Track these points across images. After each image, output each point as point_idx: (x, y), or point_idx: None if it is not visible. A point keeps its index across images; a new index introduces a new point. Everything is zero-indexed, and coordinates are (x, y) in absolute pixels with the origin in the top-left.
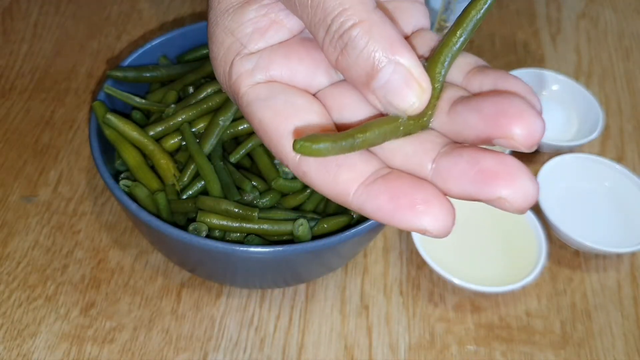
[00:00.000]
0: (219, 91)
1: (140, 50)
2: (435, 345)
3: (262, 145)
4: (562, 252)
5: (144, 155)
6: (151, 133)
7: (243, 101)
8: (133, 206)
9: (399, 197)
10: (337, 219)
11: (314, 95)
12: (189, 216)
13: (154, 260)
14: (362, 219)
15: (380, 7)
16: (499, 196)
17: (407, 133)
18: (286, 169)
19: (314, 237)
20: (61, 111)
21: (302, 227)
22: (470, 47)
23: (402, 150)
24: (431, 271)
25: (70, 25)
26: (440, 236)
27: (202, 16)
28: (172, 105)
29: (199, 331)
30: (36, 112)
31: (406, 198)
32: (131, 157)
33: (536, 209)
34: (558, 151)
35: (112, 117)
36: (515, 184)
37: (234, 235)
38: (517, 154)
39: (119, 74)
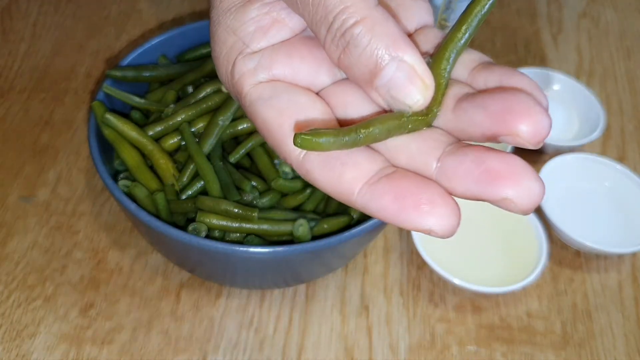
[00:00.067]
0: (219, 91)
1: (140, 50)
2: (435, 346)
3: (261, 145)
4: (563, 252)
5: (143, 155)
6: (150, 133)
7: (246, 100)
8: (132, 206)
9: (404, 197)
10: (337, 219)
11: (317, 94)
12: (188, 216)
13: (153, 260)
14: (362, 219)
15: (383, 4)
16: (504, 197)
17: (413, 129)
18: (286, 169)
19: (314, 237)
20: (60, 111)
21: (302, 227)
22: (471, 46)
23: (406, 149)
24: (431, 271)
25: (69, 25)
26: (445, 236)
27: (202, 15)
28: (172, 105)
29: (198, 332)
30: (35, 112)
31: (411, 198)
32: (130, 157)
33: (537, 209)
34: (559, 151)
35: (111, 117)
36: (520, 184)
37: (234, 235)
38: (518, 154)
39: (118, 73)
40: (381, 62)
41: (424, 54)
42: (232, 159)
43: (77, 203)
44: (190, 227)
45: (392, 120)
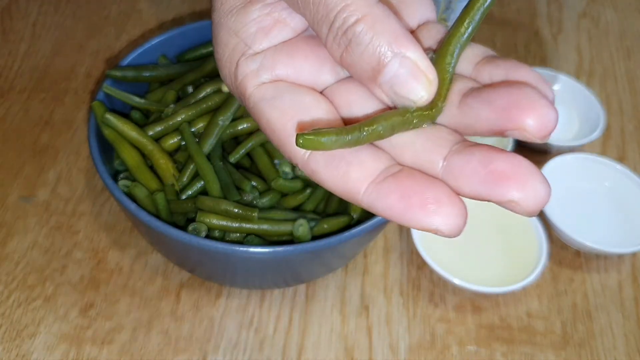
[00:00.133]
0: (219, 91)
1: (140, 50)
2: (435, 346)
3: (261, 145)
4: (563, 252)
5: (143, 155)
6: (150, 133)
7: (250, 102)
8: (132, 206)
9: (410, 196)
10: (337, 219)
11: (320, 93)
12: (188, 216)
13: (153, 260)
14: (362, 219)
15: (384, 1)
16: (510, 199)
17: (417, 125)
18: (286, 169)
19: (314, 237)
20: (60, 111)
21: (302, 227)
22: None
23: (412, 147)
24: (431, 272)
25: (69, 25)
26: (452, 236)
27: (202, 15)
28: (172, 105)
29: (198, 332)
30: (35, 112)
31: (417, 197)
32: (130, 157)
33: None
34: (559, 151)
35: (111, 117)
36: (526, 187)
37: (234, 235)
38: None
39: (118, 73)
40: (384, 59)
41: (427, 50)
42: (232, 159)
43: (77, 203)
44: (190, 227)
45: (396, 117)
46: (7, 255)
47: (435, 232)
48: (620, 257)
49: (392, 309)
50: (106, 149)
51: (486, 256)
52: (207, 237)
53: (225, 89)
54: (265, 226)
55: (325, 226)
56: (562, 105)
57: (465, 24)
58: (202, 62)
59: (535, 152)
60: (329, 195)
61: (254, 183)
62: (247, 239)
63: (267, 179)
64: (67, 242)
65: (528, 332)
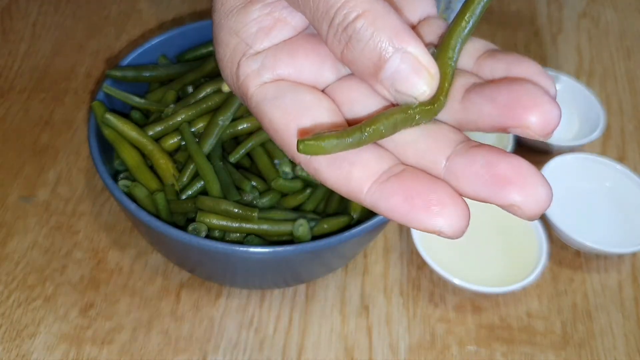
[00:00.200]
0: (219, 91)
1: (140, 50)
2: (435, 346)
3: (261, 145)
4: (563, 252)
5: (143, 155)
6: (150, 133)
7: (252, 102)
8: (132, 206)
9: (413, 197)
10: (337, 219)
11: (322, 91)
12: (188, 216)
13: (153, 260)
14: (362, 219)
15: None
16: (512, 203)
17: (420, 121)
18: (286, 169)
19: (314, 237)
20: (60, 111)
21: (302, 227)
22: None
23: (415, 146)
24: (431, 272)
25: (69, 25)
26: (455, 237)
27: (202, 15)
28: (172, 105)
29: (198, 332)
30: (35, 112)
31: (420, 198)
32: (130, 157)
33: None
34: (559, 151)
35: (111, 117)
36: (528, 191)
37: (234, 235)
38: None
39: (118, 73)
40: (385, 55)
41: (428, 45)
42: (232, 159)
43: (77, 203)
44: (190, 227)
45: (398, 114)
46: (7, 255)
47: (439, 233)
48: (620, 257)
49: (392, 309)
50: (106, 149)
51: (486, 256)
52: (207, 237)
53: (225, 88)
54: (265, 226)
55: (325, 226)
56: (562, 105)
57: (466, 18)
58: (202, 62)
59: (535, 152)
60: (329, 195)
61: (254, 183)
62: (247, 239)
63: (267, 179)
64: (67, 242)
65: (528, 332)
